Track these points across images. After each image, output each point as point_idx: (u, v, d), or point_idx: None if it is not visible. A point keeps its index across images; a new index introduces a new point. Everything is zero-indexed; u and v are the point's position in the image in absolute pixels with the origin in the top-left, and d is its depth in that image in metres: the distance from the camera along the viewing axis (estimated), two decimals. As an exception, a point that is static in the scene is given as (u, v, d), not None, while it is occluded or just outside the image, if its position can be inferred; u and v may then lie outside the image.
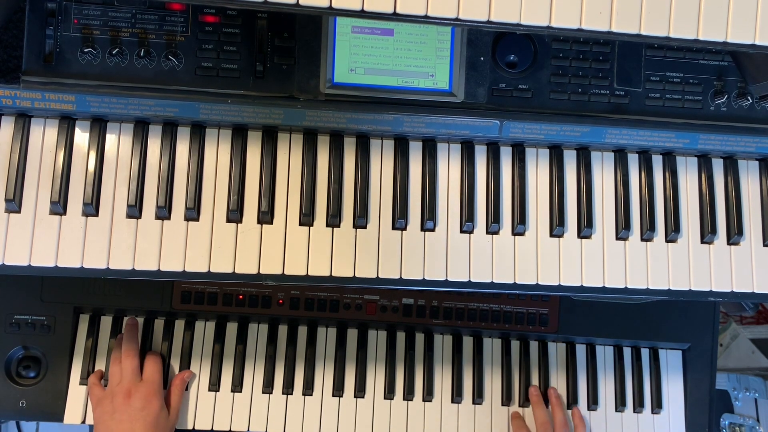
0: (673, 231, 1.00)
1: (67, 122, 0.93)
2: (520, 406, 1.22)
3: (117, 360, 1.11)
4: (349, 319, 1.21)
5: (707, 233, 1.01)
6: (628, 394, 1.25)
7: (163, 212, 0.93)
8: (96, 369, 1.15)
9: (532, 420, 1.20)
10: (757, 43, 0.80)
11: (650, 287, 0.99)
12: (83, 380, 1.14)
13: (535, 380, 1.23)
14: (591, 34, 0.79)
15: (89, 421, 1.13)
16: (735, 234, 1.01)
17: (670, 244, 1.00)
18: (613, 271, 0.99)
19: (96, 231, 0.92)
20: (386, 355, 1.21)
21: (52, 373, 1.14)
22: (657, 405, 1.25)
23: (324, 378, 1.19)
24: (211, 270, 0.93)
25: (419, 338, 1.23)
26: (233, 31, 0.93)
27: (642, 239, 1.00)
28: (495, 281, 0.97)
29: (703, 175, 1.02)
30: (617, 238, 1.00)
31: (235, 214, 0.94)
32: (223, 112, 0.93)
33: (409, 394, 1.20)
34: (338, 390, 1.19)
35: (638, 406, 1.25)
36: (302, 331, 1.21)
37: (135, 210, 0.92)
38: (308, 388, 1.18)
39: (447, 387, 1.21)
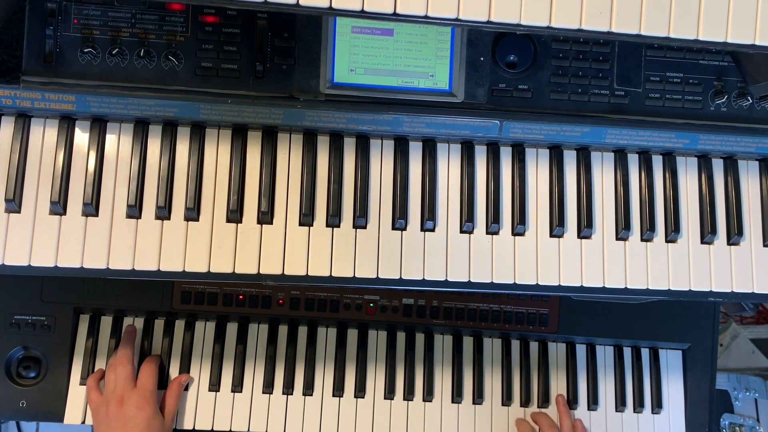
0: (673, 231, 1.00)
1: (67, 122, 0.93)
2: (521, 406, 1.22)
3: (113, 366, 1.11)
4: (349, 319, 1.21)
5: (707, 233, 1.01)
6: (628, 394, 1.25)
7: (163, 212, 0.93)
8: (96, 369, 1.15)
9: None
10: (757, 43, 0.80)
11: (650, 287, 0.99)
12: (83, 380, 1.14)
13: (535, 380, 1.23)
14: (591, 35, 0.79)
15: (89, 421, 1.13)
16: (735, 234, 1.01)
17: (670, 244, 1.00)
18: (613, 271, 0.99)
19: (96, 231, 0.92)
20: (386, 355, 1.21)
21: (52, 373, 1.14)
22: (657, 405, 1.25)
23: (324, 378, 1.19)
24: (211, 270, 0.93)
25: (419, 338, 1.23)
26: (233, 31, 0.93)
27: (642, 239, 1.00)
28: (495, 281, 0.97)
29: (703, 176, 1.02)
30: (617, 239, 1.00)
31: (235, 214, 0.94)
32: (223, 112, 0.93)
33: (409, 394, 1.20)
34: (338, 390, 1.19)
35: (638, 406, 1.25)
36: (302, 332, 1.21)
37: (135, 210, 0.92)
38: (308, 389, 1.18)
39: (447, 387, 1.21)
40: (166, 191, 0.93)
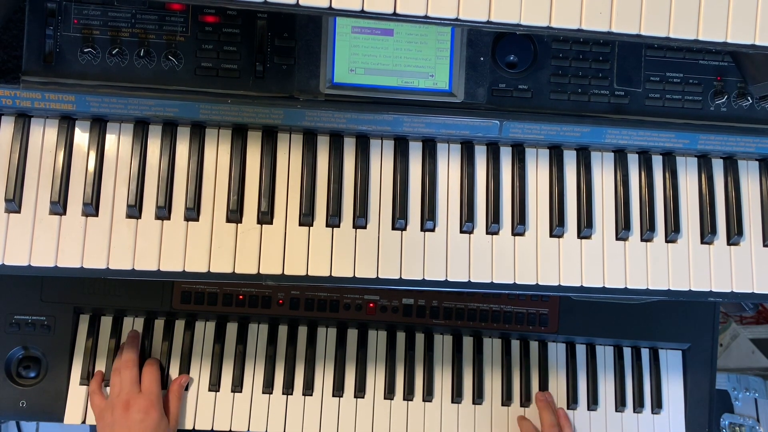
0: (673, 231, 1.00)
1: (67, 122, 0.93)
2: (520, 406, 1.22)
3: (117, 370, 1.11)
4: (349, 319, 1.21)
5: (707, 233, 1.01)
6: (628, 394, 1.25)
7: (163, 212, 0.93)
8: (96, 371, 1.15)
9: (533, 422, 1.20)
10: (757, 43, 0.80)
11: (650, 287, 0.99)
12: (83, 380, 1.14)
13: (535, 380, 1.23)
14: (591, 35, 0.79)
15: (89, 421, 1.13)
16: (735, 234, 1.01)
17: (670, 244, 1.00)
18: (613, 272, 0.99)
19: (96, 231, 0.92)
20: (386, 355, 1.21)
21: (52, 373, 1.14)
22: (657, 405, 1.25)
23: (324, 378, 1.19)
24: (211, 270, 0.93)
25: (419, 338, 1.23)
26: (233, 31, 0.93)
27: (642, 239, 1.00)
28: (495, 281, 0.97)
29: (703, 176, 1.02)
30: (617, 239, 1.00)
31: (235, 214, 0.94)
32: (223, 112, 0.93)
33: (409, 395, 1.20)
34: (338, 390, 1.19)
35: (638, 406, 1.25)
36: (302, 331, 1.21)
37: (135, 210, 0.92)
38: (308, 389, 1.18)
39: (447, 387, 1.21)
40: (166, 191, 0.93)
